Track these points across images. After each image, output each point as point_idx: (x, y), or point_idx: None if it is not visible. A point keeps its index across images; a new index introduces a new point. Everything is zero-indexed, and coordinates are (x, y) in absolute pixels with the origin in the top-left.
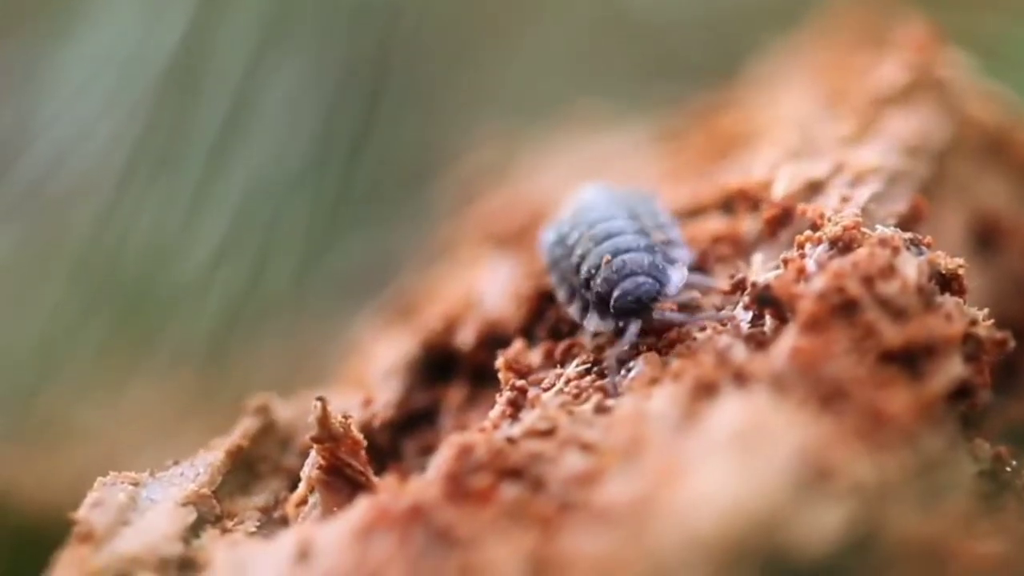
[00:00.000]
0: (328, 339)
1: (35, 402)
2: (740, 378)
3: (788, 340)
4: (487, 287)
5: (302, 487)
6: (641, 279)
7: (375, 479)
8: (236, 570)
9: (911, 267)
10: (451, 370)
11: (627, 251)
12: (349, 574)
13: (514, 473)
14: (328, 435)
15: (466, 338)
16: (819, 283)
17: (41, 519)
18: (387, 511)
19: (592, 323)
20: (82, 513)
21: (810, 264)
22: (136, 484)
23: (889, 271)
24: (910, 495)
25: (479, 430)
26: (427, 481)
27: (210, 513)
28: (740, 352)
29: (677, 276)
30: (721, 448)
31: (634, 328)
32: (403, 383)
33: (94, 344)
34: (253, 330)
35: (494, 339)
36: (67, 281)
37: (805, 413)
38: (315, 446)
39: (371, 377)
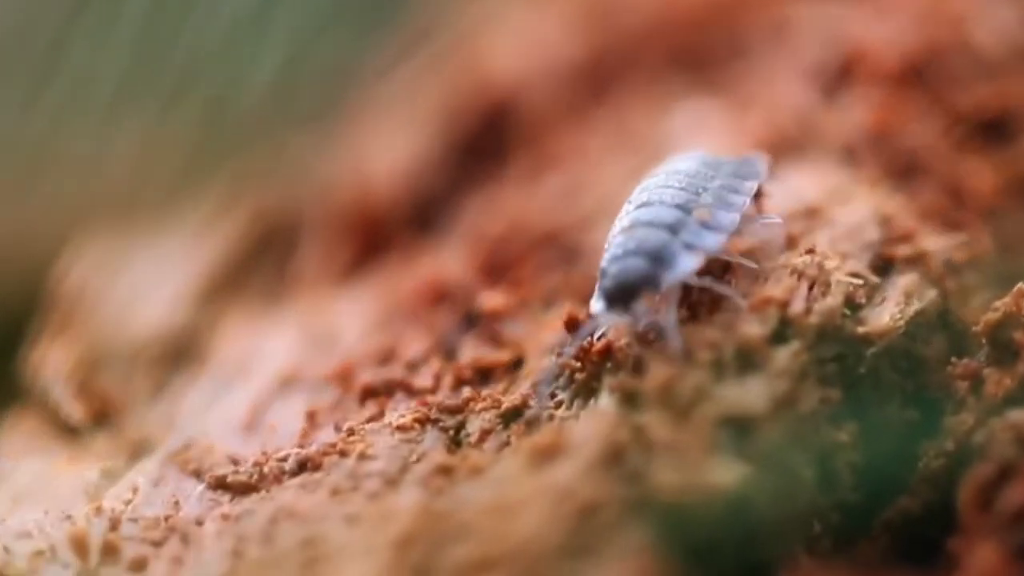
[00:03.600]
0: (345, 80)
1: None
2: (808, 142)
3: (861, 106)
4: (527, 31)
5: (320, 255)
6: (633, 261)
7: (398, 248)
8: (248, 348)
9: (999, 16)
10: (486, 129)
11: (646, 224)
12: (370, 350)
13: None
14: (353, 199)
15: (499, 92)
16: (894, 39)
17: (21, 273)
18: (411, 283)
19: (595, 306)
20: (70, 282)
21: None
22: (131, 247)
23: (974, 21)
24: (988, 275)
25: (510, 196)
26: (454, 251)
27: (218, 285)
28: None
29: (684, 265)
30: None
31: (604, 321)
32: (431, 143)
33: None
34: (261, 71)
35: (527, 93)
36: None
37: (879, 186)
38: (337, 211)
39: (392, 136)
